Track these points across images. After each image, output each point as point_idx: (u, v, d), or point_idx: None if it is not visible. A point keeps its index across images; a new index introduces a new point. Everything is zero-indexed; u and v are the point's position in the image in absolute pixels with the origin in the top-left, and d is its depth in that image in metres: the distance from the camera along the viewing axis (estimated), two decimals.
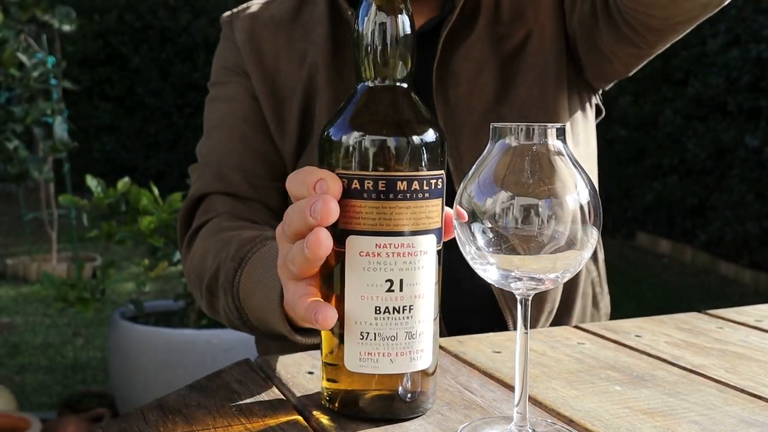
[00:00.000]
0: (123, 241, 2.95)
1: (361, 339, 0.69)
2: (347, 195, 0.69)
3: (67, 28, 4.81)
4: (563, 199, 0.64)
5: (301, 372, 0.85)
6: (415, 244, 0.69)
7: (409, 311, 0.69)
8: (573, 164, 0.66)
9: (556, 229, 0.64)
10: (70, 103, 6.29)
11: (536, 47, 1.16)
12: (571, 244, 0.64)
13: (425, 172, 0.69)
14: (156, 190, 3.00)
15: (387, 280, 0.69)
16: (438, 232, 0.71)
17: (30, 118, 4.42)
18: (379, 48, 0.71)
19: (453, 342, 0.97)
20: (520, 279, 0.66)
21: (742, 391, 0.82)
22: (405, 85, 0.72)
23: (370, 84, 0.72)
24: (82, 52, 9.15)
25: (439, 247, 0.72)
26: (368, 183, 0.68)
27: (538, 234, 0.64)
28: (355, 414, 0.72)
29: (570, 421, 0.74)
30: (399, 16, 0.71)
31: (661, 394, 0.81)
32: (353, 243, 0.69)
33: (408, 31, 0.71)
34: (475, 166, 0.67)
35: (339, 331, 0.71)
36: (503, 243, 0.64)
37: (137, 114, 9.33)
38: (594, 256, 1.27)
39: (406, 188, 0.68)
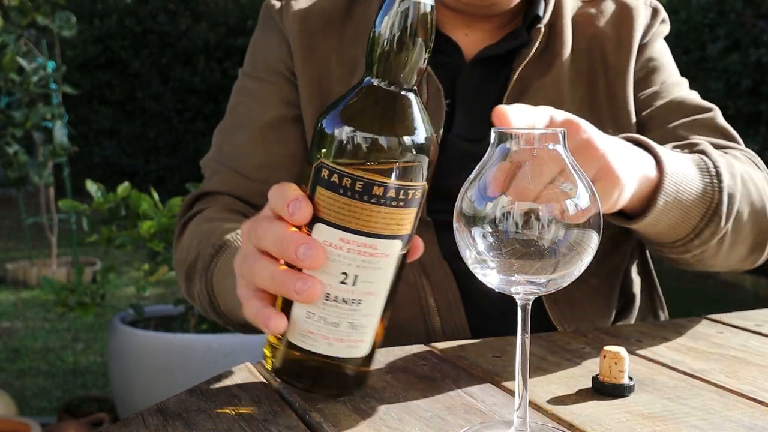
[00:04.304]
0: (123, 246, 2.95)
1: (307, 318, 0.71)
2: (325, 185, 0.69)
3: (67, 32, 4.81)
4: (563, 204, 0.64)
5: None
6: (378, 246, 0.70)
7: (357, 304, 0.71)
8: (572, 169, 0.66)
9: (556, 234, 0.64)
10: (70, 107, 6.29)
11: (607, 111, 1.16)
12: (571, 248, 0.64)
13: (404, 182, 0.69)
14: (156, 195, 3.00)
15: (342, 273, 0.70)
16: (406, 238, 0.72)
17: (30, 122, 4.43)
18: (395, 49, 0.70)
19: (453, 346, 0.97)
20: (520, 283, 0.66)
21: (743, 395, 0.82)
22: (410, 92, 0.72)
23: (374, 82, 0.71)
24: (82, 57, 9.17)
25: (404, 252, 0.73)
26: (346, 180, 0.68)
27: (538, 238, 0.64)
28: (281, 374, 0.75)
29: (570, 426, 0.74)
30: (426, 20, 0.70)
31: (662, 398, 0.81)
32: (320, 231, 0.70)
33: (426, 42, 0.71)
34: (475, 170, 0.67)
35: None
36: (503, 247, 0.64)
37: (137, 118, 9.34)
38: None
39: (381, 194, 0.69)
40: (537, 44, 1.12)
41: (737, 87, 5.93)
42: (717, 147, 1.10)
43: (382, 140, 0.69)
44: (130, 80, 9.37)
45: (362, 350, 0.74)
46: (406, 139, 0.70)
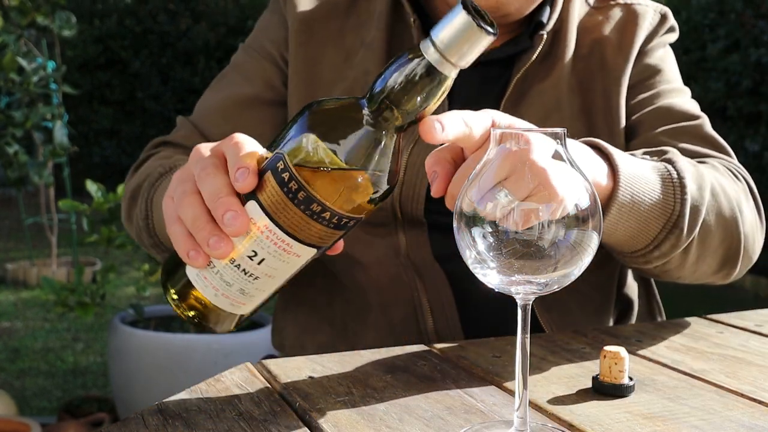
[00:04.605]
0: (123, 246, 2.95)
1: (208, 265, 0.74)
2: (275, 175, 0.70)
3: (67, 33, 4.81)
4: (563, 204, 0.64)
5: (301, 376, 0.85)
6: (295, 247, 0.72)
7: (254, 279, 0.73)
8: (573, 169, 0.66)
9: (557, 234, 0.64)
10: (70, 107, 6.29)
11: (602, 115, 1.14)
12: (571, 249, 0.64)
13: (343, 211, 0.71)
14: None
15: (253, 251, 0.72)
16: (323, 249, 0.74)
17: (30, 122, 4.42)
18: (393, 103, 0.70)
19: (453, 346, 0.97)
20: (520, 284, 0.66)
21: (743, 395, 0.82)
22: (392, 133, 0.71)
23: (365, 109, 0.71)
24: (82, 57, 9.16)
25: (316, 257, 0.75)
26: (293, 184, 0.69)
27: (538, 238, 0.64)
28: (168, 292, 0.79)
29: (570, 426, 0.74)
30: (435, 92, 0.70)
31: (662, 398, 0.81)
32: (251, 208, 0.71)
33: (429, 105, 0.71)
34: (475, 170, 0.67)
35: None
36: (503, 247, 0.64)
37: (137, 118, 9.34)
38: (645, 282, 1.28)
39: (318, 211, 0.70)
40: (538, 50, 1.12)
41: (737, 87, 5.93)
42: (698, 155, 1.08)
43: (341, 155, 0.69)
44: (130, 80, 9.37)
45: (243, 311, 0.77)
46: (362, 166, 0.70)
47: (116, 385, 3.02)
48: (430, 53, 0.68)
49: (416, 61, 0.69)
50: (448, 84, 0.70)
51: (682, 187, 0.94)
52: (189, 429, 0.72)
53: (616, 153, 0.90)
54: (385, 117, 0.70)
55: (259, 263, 0.72)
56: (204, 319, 0.78)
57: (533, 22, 1.14)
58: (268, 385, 0.83)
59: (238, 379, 0.84)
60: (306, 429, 0.72)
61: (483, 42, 0.68)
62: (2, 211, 8.26)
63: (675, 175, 0.95)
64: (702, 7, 6.30)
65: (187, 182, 0.77)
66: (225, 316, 0.77)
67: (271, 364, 0.89)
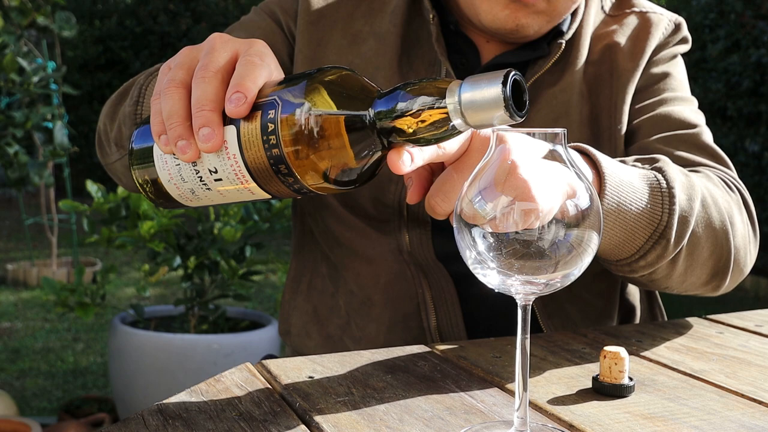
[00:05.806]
0: (123, 246, 2.95)
1: (173, 157, 0.76)
2: (261, 119, 0.70)
3: (67, 33, 4.81)
4: (563, 204, 0.64)
5: (302, 377, 0.85)
6: (252, 186, 0.73)
7: (207, 189, 0.76)
8: (573, 169, 0.66)
9: (556, 234, 0.64)
10: (71, 107, 6.30)
11: (607, 120, 1.14)
12: (571, 248, 0.64)
13: (306, 184, 0.71)
14: None
15: (215, 168, 0.73)
16: (277, 198, 0.76)
17: (30, 123, 4.43)
18: (401, 114, 0.68)
19: (453, 347, 0.97)
20: (520, 284, 0.66)
21: (743, 396, 0.82)
22: (379, 143, 0.71)
23: (372, 110, 0.69)
24: (82, 57, 9.17)
25: (270, 200, 0.78)
26: (272, 138, 0.69)
27: (538, 238, 0.64)
28: (134, 151, 0.81)
29: (570, 426, 0.74)
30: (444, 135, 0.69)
31: (662, 398, 0.81)
32: (229, 133, 0.71)
33: (424, 142, 0.70)
34: (475, 170, 0.67)
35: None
36: (503, 248, 0.64)
37: None
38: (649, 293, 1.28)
39: (285, 173, 0.70)
40: (555, 58, 1.12)
41: (737, 87, 5.93)
42: (692, 164, 1.08)
43: (328, 133, 0.69)
44: None
45: (187, 204, 0.81)
46: (342, 153, 0.69)
47: (116, 386, 3.02)
48: (451, 102, 0.66)
49: (436, 99, 0.67)
50: (454, 134, 0.69)
51: (671, 196, 0.92)
52: (189, 429, 0.72)
53: (604, 159, 0.89)
54: (382, 127, 0.69)
55: (216, 180, 0.74)
56: (150, 192, 0.81)
57: (553, 30, 1.14)
58: (268, 386, 0.83)
59: (238, 380, 0.84)
60: (306, 429, 0.72)
61: (504, 122, 0.66)
62: (2, 211, 8.26)
63: (664, 184, 0.93)
64: (702, 7, 6.30)
65: (185, 69, 0.75)
66: (170, 199, 0.80)
67: (271, 364, 0.89)
